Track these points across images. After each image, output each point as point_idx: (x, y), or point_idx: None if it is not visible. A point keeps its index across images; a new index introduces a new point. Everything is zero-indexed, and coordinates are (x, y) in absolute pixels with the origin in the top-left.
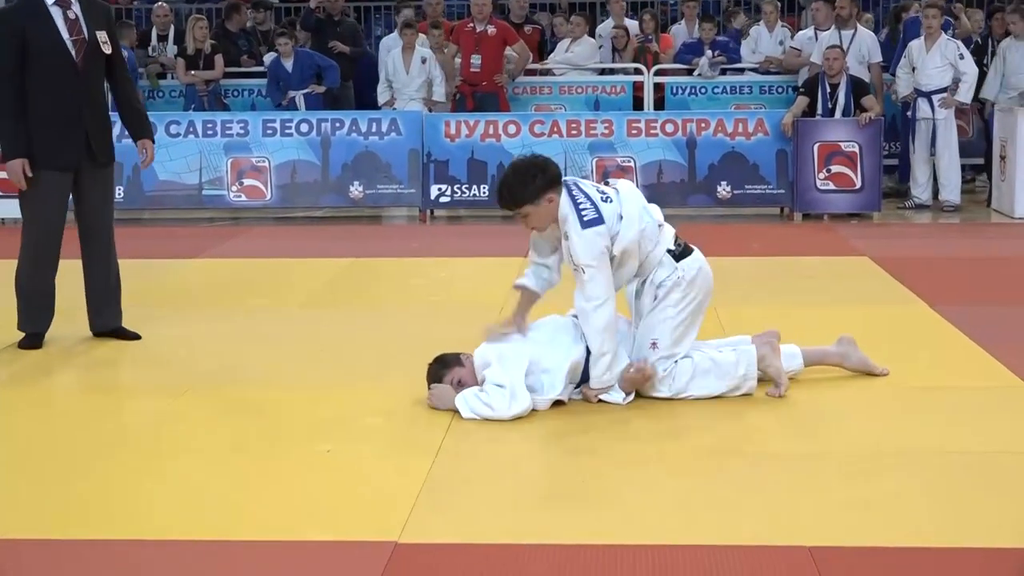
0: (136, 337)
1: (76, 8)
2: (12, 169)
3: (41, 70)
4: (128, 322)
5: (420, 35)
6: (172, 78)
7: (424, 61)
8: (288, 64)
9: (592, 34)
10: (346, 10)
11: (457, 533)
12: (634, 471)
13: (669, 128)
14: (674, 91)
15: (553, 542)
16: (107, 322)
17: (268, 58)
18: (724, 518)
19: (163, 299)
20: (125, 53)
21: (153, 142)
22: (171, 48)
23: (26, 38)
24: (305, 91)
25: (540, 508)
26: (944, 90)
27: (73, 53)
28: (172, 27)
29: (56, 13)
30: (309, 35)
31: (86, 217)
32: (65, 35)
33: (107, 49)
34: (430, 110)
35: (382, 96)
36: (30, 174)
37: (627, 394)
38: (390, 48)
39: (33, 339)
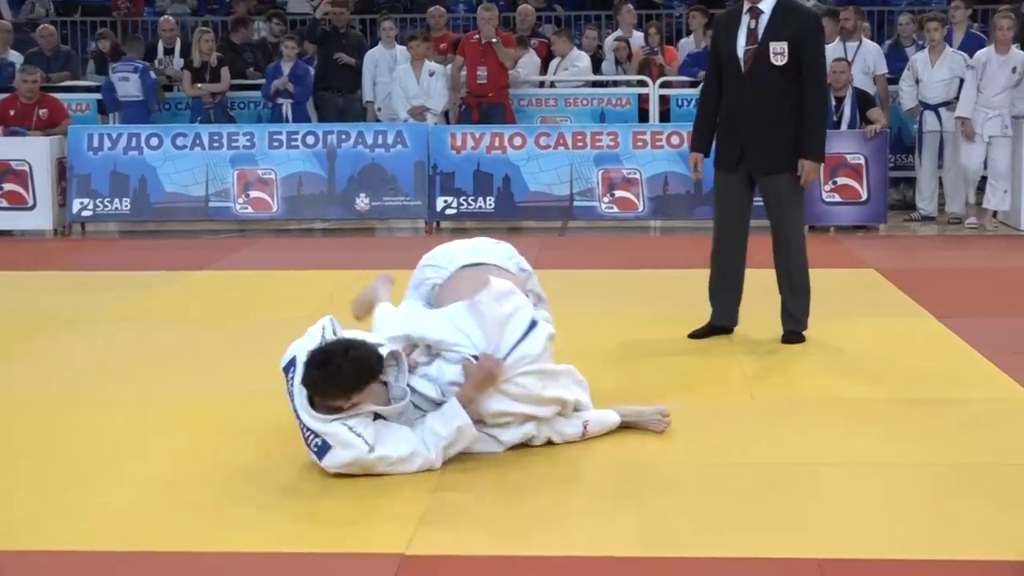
0: None
1: (764, 19)
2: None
3: (724, 78)
4: (129, 333)
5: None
6: (178, 91)
7: (432, 74)
8: (285, 69)
9: (599, 47)
10: (352, 23)
11: (463, 545)
12: (639, 482)
13: (675, 140)
14: (679, 103)
15: (558, 554)
16: None
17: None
18: (732, 530)
19: (167, 311)
20: (140, 65)
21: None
22: (177, 61)
23: (718, 47)
24: (291, 101)
25: (545, 520)
26: (950, 103)
27: (742, 62)
28: (178, 40)
29: (743, 21)
30: (315, 47)
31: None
32: (741, 44)
33: (778, 61)
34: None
35: (402, 109)
36: (700, 168)
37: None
38: (376, 60)
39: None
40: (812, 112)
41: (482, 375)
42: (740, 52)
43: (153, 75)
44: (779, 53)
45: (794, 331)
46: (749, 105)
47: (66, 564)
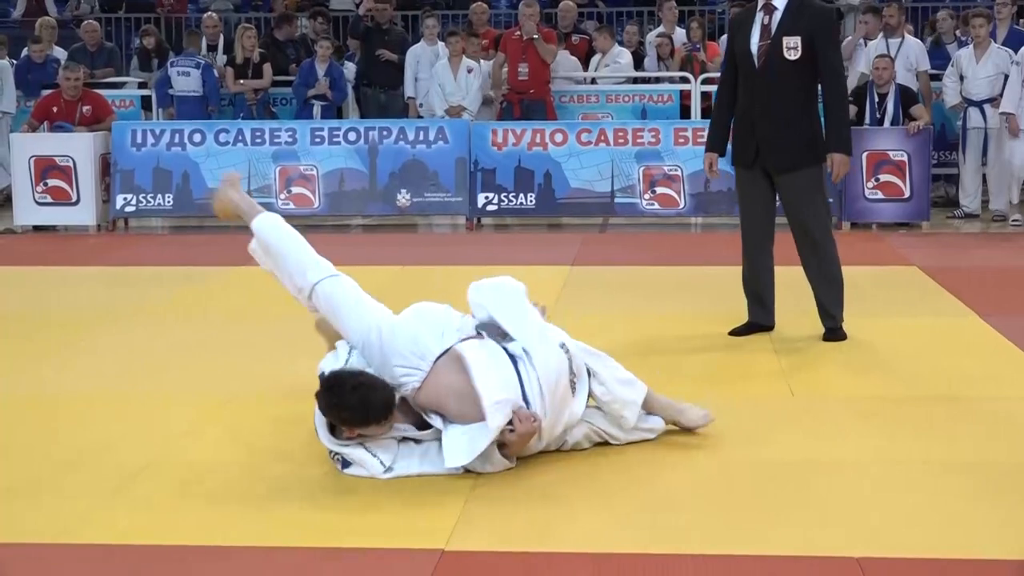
0: None
1: (778, 15)
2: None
3: (740, 75)
4: (170, 328)
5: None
6: (221, 87)
7: (470, 71)
8: (320, 70)
9: (640, 43)
10: (395, 19)
11: (503, 541)
12: (677, 478)
13: None
14: None
15: (598, 551)
16: None
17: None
18: (771, 527)
19: (209, 306)
20: (202, 61)
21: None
22: (220, 57)
23: (733, 46)
24: (324, 103)
25: (582, 517)
26: (995, 99)
27: (755, 58)
28: (221, 36)
29: (758, 18)
30: (359, 43)
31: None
32: (755, 41)
33: (791, 55)
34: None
35: (439, 107)
36: (716, 169)
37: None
38: (418, 56)
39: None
40: (834, 106)
41: (522, 443)
42: (754, 48)
43: (215, 72)
44: (792, 48)
45: (834, 328)
46: (763, 102)
47: (107, 558)
